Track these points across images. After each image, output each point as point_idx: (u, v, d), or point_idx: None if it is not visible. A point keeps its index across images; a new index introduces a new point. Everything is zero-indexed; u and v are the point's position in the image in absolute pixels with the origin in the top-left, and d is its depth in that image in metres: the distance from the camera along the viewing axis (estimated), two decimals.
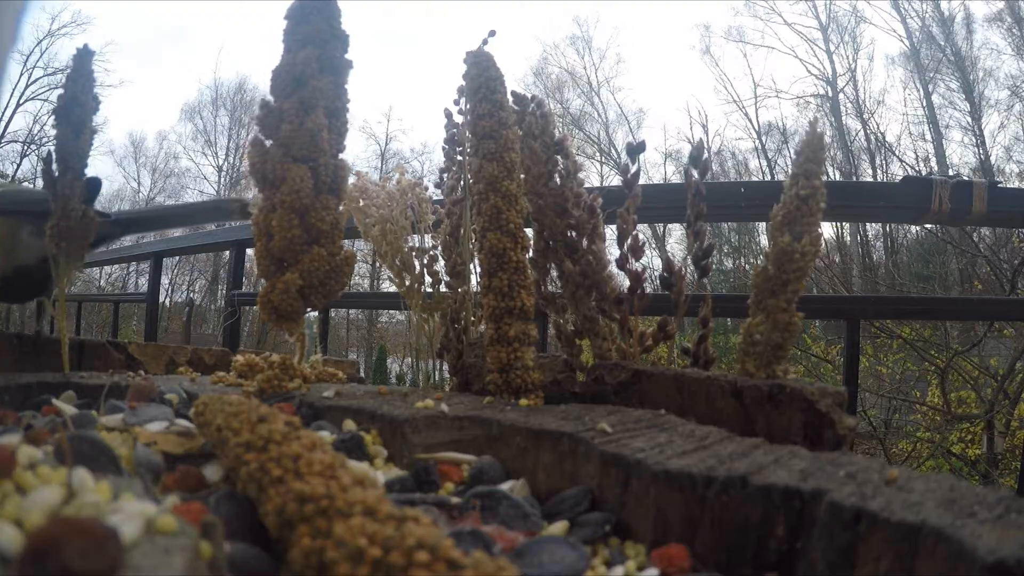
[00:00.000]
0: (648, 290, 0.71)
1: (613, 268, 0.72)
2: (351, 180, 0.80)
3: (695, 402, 0.57)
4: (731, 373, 0.61)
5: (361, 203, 0.82)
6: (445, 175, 0.81)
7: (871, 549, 0.31)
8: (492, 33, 0.71)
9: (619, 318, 0.71)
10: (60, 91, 0.74)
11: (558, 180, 0.73)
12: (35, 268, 0.85)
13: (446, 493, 0.46)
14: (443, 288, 0.81)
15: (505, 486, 0.46)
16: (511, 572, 0.26)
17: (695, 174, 0.72)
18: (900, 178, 1.29)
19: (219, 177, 14.41)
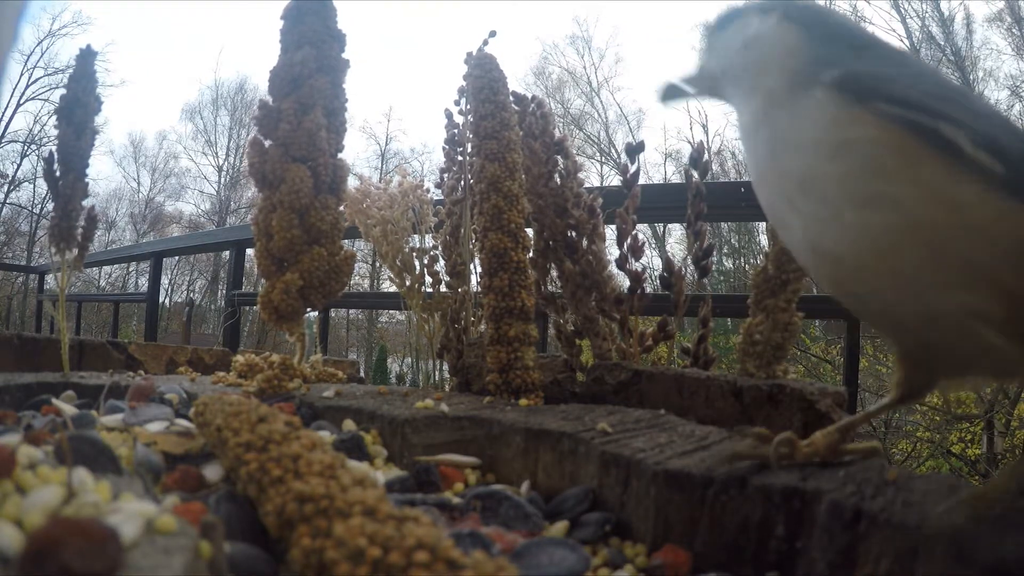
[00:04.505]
0: (648, 290, 0.71)
1: (613, 268, 0.72)
2: (352, 183, 0.80)
3: (695, 402, 0.57)
4: (731, 373, 0.61)
5: (363, 205, 0.82)
6: (445, 175, 0.81)
7: (871, 549, 0.31)
8: (492, 34, 0.71)
9: (619, 318, 0.71)
10: (62, 91, 0.74)
11: (558, 180, 0.73)
12: None
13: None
14: (443, 288, 0.81)
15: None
16: (511, 572, 0.26)
17: (695, 175, 0.72)
18: None
19: (219, 177, 14.38)
